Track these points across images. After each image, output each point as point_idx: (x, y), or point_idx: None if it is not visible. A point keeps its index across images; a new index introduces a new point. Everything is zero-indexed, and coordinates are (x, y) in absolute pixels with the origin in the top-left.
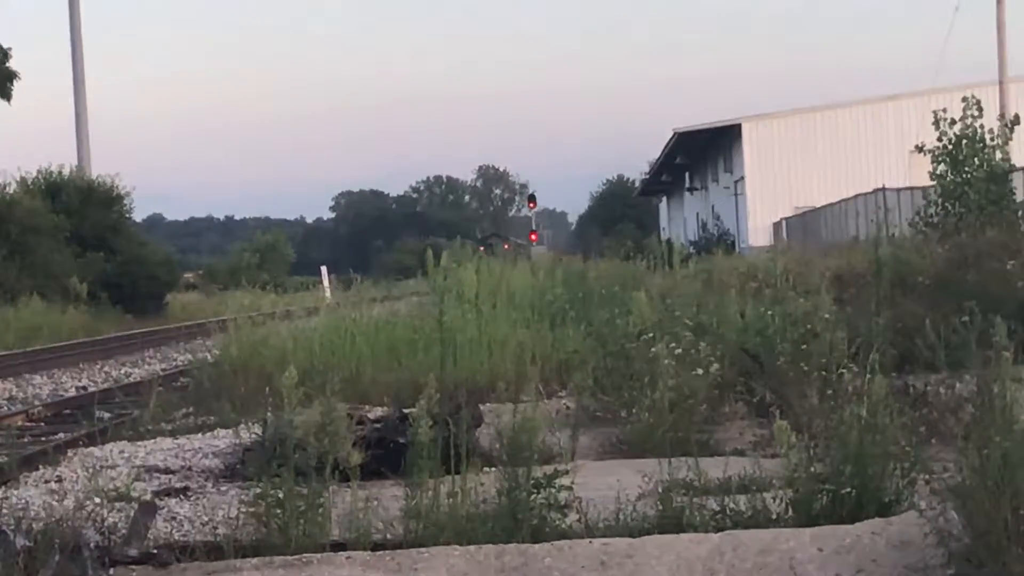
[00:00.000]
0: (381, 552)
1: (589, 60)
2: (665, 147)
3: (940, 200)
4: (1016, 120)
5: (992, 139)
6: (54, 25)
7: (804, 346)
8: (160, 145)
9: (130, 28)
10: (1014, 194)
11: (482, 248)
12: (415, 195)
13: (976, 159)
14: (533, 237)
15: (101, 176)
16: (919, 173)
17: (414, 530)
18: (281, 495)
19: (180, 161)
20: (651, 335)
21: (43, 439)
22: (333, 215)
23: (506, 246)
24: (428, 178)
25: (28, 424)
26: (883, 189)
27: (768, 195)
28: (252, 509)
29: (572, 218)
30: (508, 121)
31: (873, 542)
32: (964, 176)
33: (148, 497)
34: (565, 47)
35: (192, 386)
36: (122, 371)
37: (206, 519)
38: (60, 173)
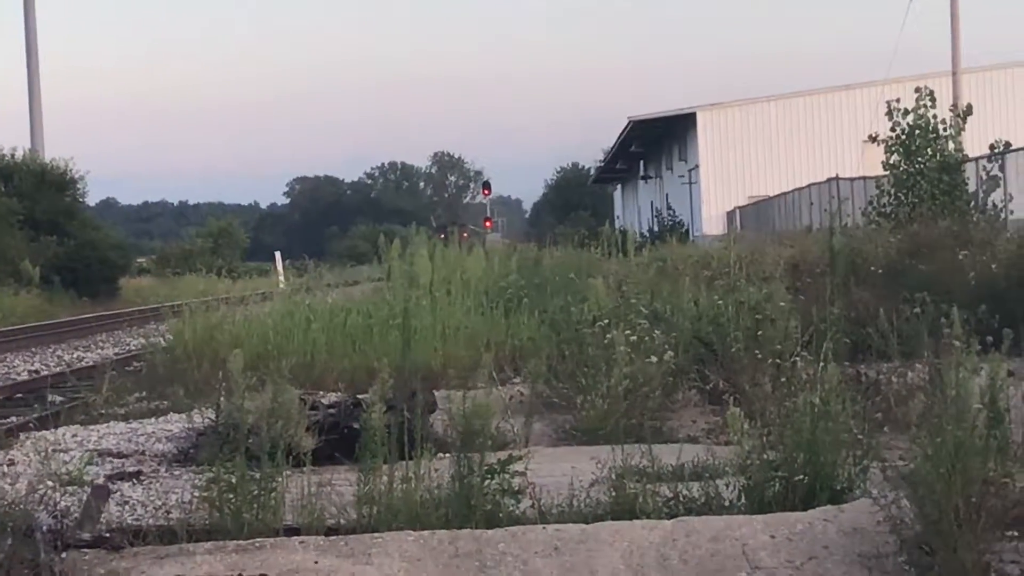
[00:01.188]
0: (335, 537)
1: (545, 47)
2: (620, 135)
3: (893, 190)
4: (969, 110)
5: (945, 129)
6: (7, 9)
7: (758, 334)
8: (114, 129)
9: (85, 12)
10: (966, 184)
11: (442, 236)
12: (370, 181)
13: (929, 149)
14: (488, 224)
15: (55, 160)
16: (873, 163)
17: (368, 515)
18: (234, 480)
19: (134, 146)
20: (606, 322)
21: None
22: (287, 201)
23: (464, 235)
24: (383, 164)
25: None
26: (836, 179)
27: (722, 184)
28: (205, 493)
29: (527, 205)
30: (463, 108)
31: (825, 529)
32: (917, 166)
33: (101, 481)
34: (522, 34)
35: (145, 370)
36: (75, 355)
37: (159, 503)
38: (13, 157)
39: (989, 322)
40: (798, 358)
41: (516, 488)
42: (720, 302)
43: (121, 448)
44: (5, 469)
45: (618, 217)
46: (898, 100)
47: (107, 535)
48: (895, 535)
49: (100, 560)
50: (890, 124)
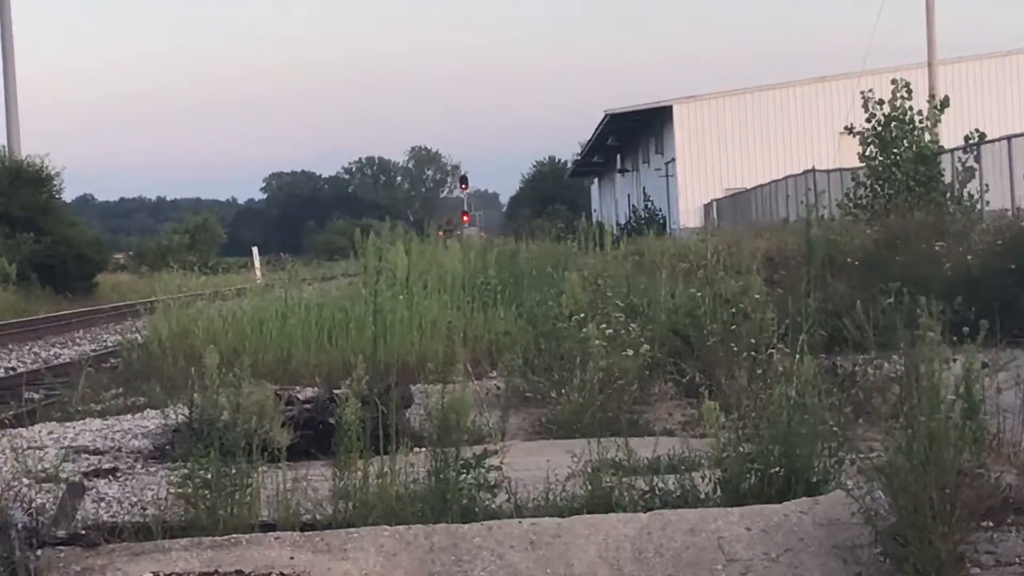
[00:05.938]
0: (310, 532)
1: (523, 41)
2: (596, 128)
3: (869, 181)
4: (945, 102)
5: (921, 121)
6: None
7: (734, 327)
8: (91, 126)
9: (61, 7)
10: (942, 176)
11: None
12: (347, 176)
13: (905, 141)
14: (465, 218)
15: (30, 157)
16: (849, 155)
17: (343, 510)
18: (209, 476)
19: (111, 142)
20: (582, 316)
21: None
22: (265, 196)
23: (440, 233)
24: (360, 159)
25: None
26: (813, 170)
27: (699, 176)
28: (180, 490)
29: (504, 199)
30: (441, 102)
31: (801, 521)
32: (893, 157)
33: (76, 478)
34: (497, 28)
35: (122, 367)
36: (52, 352)
37: (135, 500)
38: None
39: (965, 313)
40: (774, 351)
41: (492, 482)
42: (697, 295)
43: (97, 445)
44: None
45: (595, 211)
46: (871, 91)
47: (82, 532)
48: (870, 527)
49: (75, 557)
50: (866, 116)
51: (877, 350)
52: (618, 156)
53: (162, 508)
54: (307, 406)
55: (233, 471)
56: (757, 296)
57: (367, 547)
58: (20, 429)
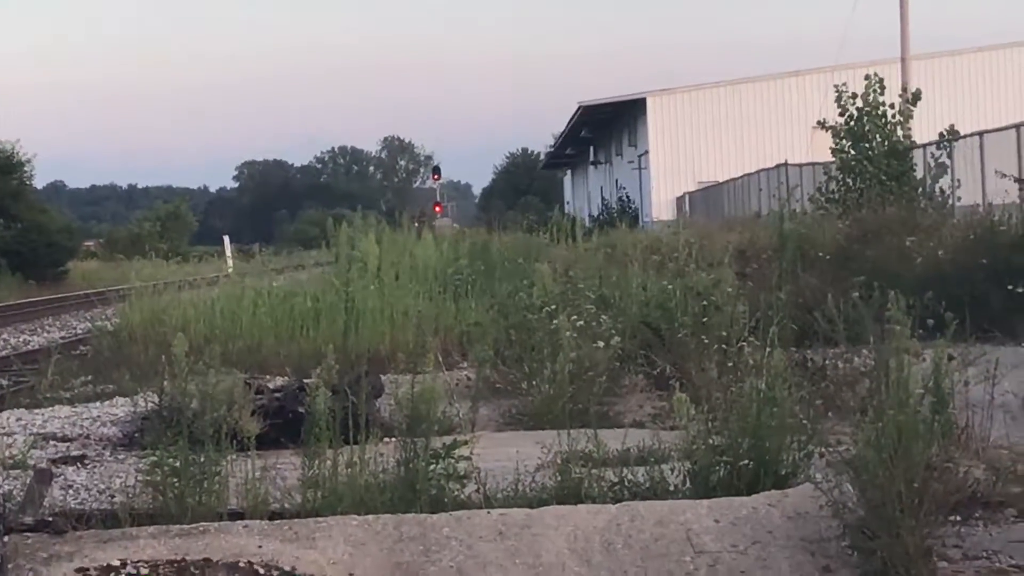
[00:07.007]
0: (279, 521)
1: (496, 32)
2: (570, 120)
3: (841, 175)
4: (917, 95)
5: (893, 115)
6: None
7: (705, 320)
8: (63, 113)
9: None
10: (915, 171)
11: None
12: (319, 165)
13: (878, 135)
14: (438, 209)
15: (1, 143)
16: (822, 149)
17: (312, 499)
18: (177, 464)
19: (83, 129)
20: (553, 307)
21: None
22: (236, 184)
23: (416, 223)
24: (332, 148)
25: None
26: (785, 164)
27: (672, 169)
28: (148, 478)
29: (477, 191)
30: (414, 92)
31: (769, 514)
32: (864, 151)
33: (44, 465)
34: (471, 17)
35: (91, 354)
36: (20, 338)
37: (103, 487)
38: None
39: (935, 308)
40: (745, 343)
41: (461, 473)
42: (668, 287)
43: (66, 432)
44: None
45: (568, 203)
46: (844, 84)
47: (50, 519)
48: (838, 520)
49: (42, 544)
50: (839, 110)
51: (847, 344)
52: (591, 148)
53: (130, 496)
54: (277, 395)
55: (202, 459)
56: (728, 289)
57: (335, 536)
58: None
